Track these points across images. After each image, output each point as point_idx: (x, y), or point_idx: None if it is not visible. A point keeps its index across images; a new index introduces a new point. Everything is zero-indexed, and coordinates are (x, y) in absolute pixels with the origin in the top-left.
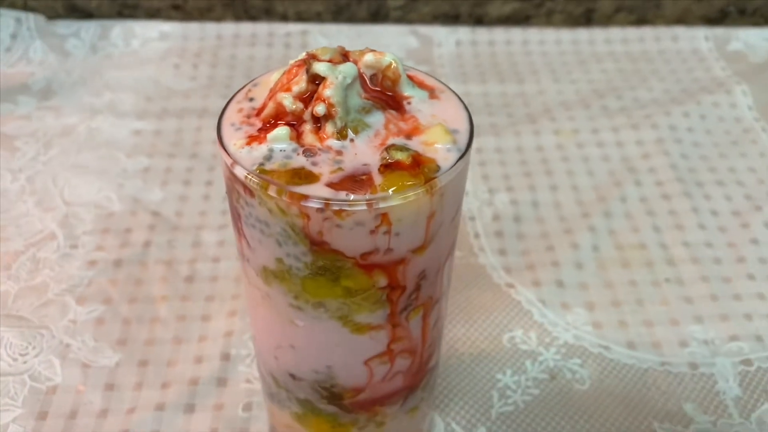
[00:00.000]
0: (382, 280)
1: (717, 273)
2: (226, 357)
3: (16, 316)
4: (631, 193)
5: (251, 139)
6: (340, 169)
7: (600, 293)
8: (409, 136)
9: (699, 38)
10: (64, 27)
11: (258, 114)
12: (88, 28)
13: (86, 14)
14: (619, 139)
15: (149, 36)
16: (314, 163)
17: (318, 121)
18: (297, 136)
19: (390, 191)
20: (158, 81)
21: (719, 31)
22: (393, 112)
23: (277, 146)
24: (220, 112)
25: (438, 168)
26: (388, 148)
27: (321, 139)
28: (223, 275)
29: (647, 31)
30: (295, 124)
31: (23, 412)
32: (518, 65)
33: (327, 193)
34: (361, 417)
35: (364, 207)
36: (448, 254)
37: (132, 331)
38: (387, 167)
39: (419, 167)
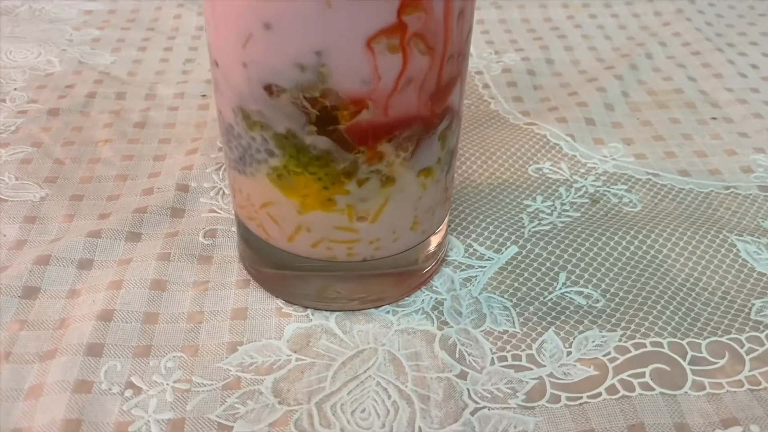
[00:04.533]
0: None
1: None
2: (183, 188)
3: None
4: (657, 51)
5: None
6: None
7: (638, 130)
8: None
9: None
10: None
11: None
12: None
13: None
14: (635, 11)
15: None
16: None
17: None
18: None
19: None
20: None
21: None
22: None
23: None
24: None
25: None
26: None
27: None
28: (181, 122)
29: None
30: None
31: None
32: None
33: None
34: (361, 161)
35: None
36: None
37: (65, 170)
38: None
39: None
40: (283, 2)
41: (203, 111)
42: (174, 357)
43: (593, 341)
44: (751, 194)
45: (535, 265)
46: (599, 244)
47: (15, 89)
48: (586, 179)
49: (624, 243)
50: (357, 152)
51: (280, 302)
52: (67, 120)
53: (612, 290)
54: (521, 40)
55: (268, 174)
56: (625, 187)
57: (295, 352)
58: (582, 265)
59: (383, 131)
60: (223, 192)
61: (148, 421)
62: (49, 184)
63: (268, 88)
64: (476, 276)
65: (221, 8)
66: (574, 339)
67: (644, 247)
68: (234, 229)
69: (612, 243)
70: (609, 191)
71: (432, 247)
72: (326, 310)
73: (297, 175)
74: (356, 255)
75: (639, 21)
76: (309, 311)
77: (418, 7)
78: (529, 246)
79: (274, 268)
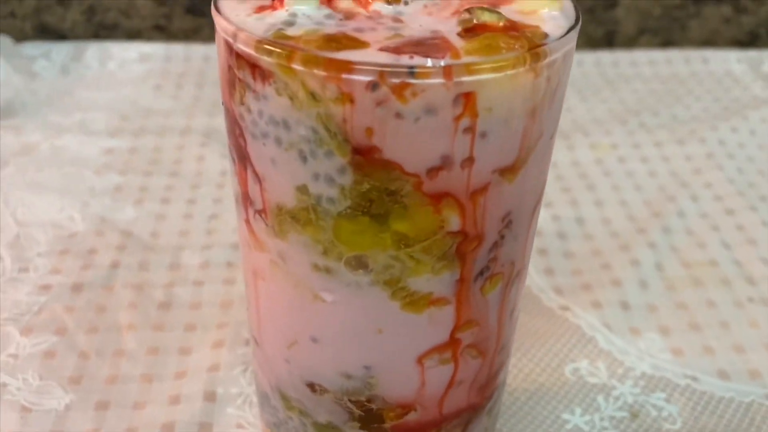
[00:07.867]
0: (453, 220)
1: None
2: (210, 397)
3: None
4: (689, 208)
5: (262, 9)
6: (398, 35)
7: (674, 315)
8: (495, 4)
9: (731, 60)
10: (33, 48)
11: None
12: (60, 50)
13: (59, 36)
14: (665, 153)
15: (128, 57)
16: (359, 30)
17: None
18: (327, 0)
19: (479, 57)
20: (136, 101)
21: (752, 54)
22: None
23: (302, 9)
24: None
25: (545, 35)
26: (471, 9)
27: (364, 4)
28: (207, 301)
29: (675, 54)
30: None
31: None
32: None
33: (384, 58)
34: None
35: (441, 80)
36: (539, 197)
37: (90, 366)
38: (470, 31)
39: (518, 31)
40: (332, 321)
41: (228, 286)
42: None
43: None
44: None
45: None
46: None
47: (38, 254)
48: (624, 384)
49: None
50: None
51: None
52: (90, 297)
53: None
54: (549, 191)
55: None
56: (663, 395)
57: None
58: None
59: (431, 426)
60: (251, 401)
61: None
62: (74, 385)
63: (311, 386)
64: None
65: (269, 305)
66: None
67: None
68: None
69: None
70: (648, 401)
71: None
72: None
73: None
74: None
75: (669, 166)
76: None
77: (473, 324)
78: None
79: None
